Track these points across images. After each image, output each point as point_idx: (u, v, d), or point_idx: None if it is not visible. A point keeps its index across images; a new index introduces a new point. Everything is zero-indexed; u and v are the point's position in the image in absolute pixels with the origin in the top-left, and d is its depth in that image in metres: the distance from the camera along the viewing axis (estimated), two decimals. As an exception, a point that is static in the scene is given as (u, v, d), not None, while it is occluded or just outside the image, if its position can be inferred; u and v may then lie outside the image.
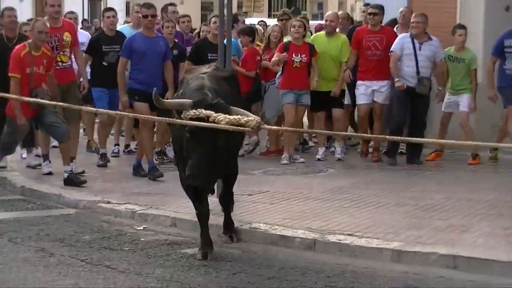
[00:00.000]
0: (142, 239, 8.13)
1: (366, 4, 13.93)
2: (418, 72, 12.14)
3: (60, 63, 11.21)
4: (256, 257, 7.77)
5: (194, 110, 7.15)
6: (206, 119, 7.10)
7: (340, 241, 7.85)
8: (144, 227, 8.65)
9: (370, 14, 12.48)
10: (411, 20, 12.33)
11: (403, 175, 11.35)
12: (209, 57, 11.56)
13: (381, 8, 12.67)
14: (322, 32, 12.89)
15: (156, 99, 7.29)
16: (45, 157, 11.35)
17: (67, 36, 11.23)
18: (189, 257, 7.69)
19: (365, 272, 7.18)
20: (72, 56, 11.44)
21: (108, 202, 9.64)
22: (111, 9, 13.26)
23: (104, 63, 12.10)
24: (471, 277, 7.02)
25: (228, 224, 8.26)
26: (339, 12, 14.16)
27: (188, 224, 8.53)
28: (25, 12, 17.84)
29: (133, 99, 11.23)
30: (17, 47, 10.46)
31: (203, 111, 7.12)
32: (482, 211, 9.01)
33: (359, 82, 12.46)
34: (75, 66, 11.74)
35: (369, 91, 12.38)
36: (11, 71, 10.29)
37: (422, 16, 12.27)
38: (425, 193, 10.00)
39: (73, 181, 10.42)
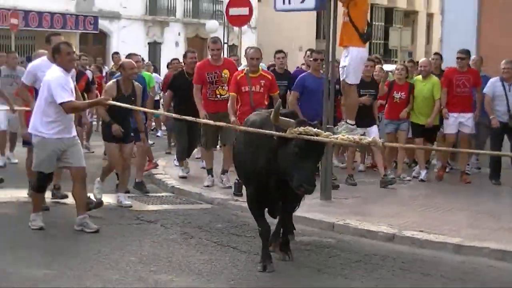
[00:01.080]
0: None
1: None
2: (509, 110, 13.65)
3: (219, 95, 12.44)
4: (348, 246, 9.22)
5: (302, 127, 7.50)
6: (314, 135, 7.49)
7: (413, 236, 9.39)
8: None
9: (458, 58, 13.86)
10: (502, 66, 13.74)
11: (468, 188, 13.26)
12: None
13: (467, 53, 14.08)
14: (419, 76, 14.33)
15: (276, 115, 7.51)
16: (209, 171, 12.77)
17: (225, 73, 12.42)
18: (306, 243, 9.20)
19: (431, 260, 8.66)
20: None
21: (236, 200, 11.44)
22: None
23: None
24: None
25: (288, 243, 8.61)
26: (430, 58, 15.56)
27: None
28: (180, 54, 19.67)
29: None
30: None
31: (312, 129, 7.52)
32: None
33: (449, 114, 13.89)
34: None
35: (456, 122, 13.87)
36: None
37: (511, 63, 13.71)
38: (484, 202, 11.83)
39: None
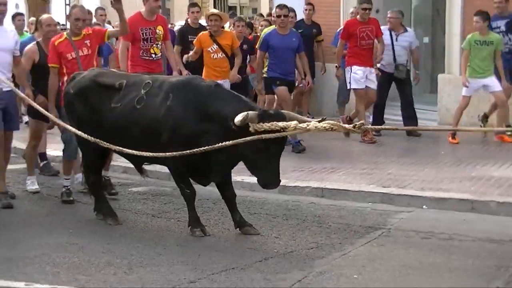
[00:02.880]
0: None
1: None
2: (395, 60, 13.73)
3: (153, 55, 11.31)
4: None
5: (268, 124, 7.28)
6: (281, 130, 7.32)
7: (243, 180, 9.80)
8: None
9: (363, 9, 13.27)
10: (388, 15, 13.93)
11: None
12: None
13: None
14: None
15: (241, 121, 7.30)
16: None
17: (160, 30, 11.30)
18: (143, 193, 10.11)
19: (258, 201, 9.50)
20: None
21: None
22: (196, 4, 14.09)
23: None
24: (333, 202, 9.54)
25: (243, 219, 8.30)
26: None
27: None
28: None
29: (275, 85, 12.35)
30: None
31: (279, 123, 7.29)
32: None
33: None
34: None
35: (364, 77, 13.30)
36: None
37: (396, 12, 13.89)
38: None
39: None
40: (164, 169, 10.44)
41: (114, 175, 10.59)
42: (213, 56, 12.05)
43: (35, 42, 10.25)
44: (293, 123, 7.32)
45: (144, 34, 11.19)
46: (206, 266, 6.99)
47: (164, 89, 8.04)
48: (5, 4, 9.36)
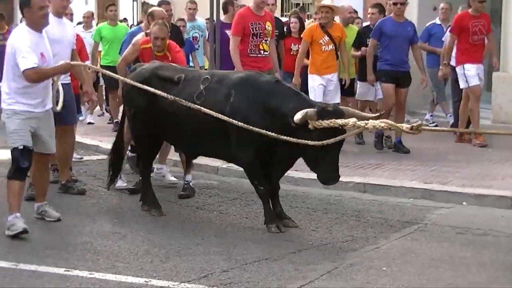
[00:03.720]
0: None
1: None
2: None
3: (262, 51, 10.99)
4: (228, 186, 10.24)
5: (327, 121, 7.38)
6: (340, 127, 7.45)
7: (288, 174, 9.83)
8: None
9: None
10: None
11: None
12: None
13: None
14: None
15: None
16: None
17: (268, 26, 10.97)
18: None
19: (301, 195, 9.71)
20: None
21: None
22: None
23: None
24: (374, 198, 9.66)
25: (283, 211, 8.43)
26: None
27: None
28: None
29: (381, 80, 12.08)
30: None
31: (337, 121, 7.38)
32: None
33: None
34: None
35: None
36: None
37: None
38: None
39: None
40: (213, 163, 10.86)
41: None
42: (324, 48, 11.85)
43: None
44: (351, 121, 7.40)
45: (254, 29, 10.84)
46: (240, 256, 7.19)
47: (225, 85, 8.20)
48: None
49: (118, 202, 9.42)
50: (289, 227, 8.25)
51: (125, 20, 22.13)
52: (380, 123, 7.50)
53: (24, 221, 7.73)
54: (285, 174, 9.76)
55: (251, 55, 10.89)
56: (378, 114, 8.10)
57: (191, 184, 9.79)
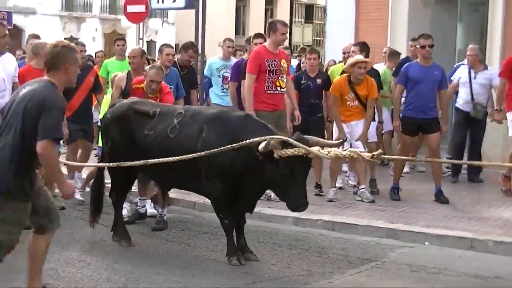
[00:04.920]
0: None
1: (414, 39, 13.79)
2: (473, 99, 12.90)
3: (279, 88, 11.04)
4: (201, 220, 10.51)
5: (291, 150, 7.61)
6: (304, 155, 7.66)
7: (260, 211, 10.56)
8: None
9: None
10: (468, 53, 13.01)
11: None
12: None
13: None
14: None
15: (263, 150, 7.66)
16: None
17: (284, 63, 11.07)
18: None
19: (271, 231, 9.95)
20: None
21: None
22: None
23: None
24: (341, 235, 9.87)
25: (245, 245, 8.72)
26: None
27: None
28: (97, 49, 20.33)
29: (402, 129, 11.59)
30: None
31: (301, 149, 7.61)
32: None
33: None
34: None
35: None
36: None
37: (476, 49, 13.04)
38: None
39: None
40: (189, 198, 11.16)
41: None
42: (349, 104, 11.60)
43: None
44: (315, 149, 7.64)
45: (270, 65, 10.89)
46: (196, 287, 7.49)
47: (197, 121, 8.52)
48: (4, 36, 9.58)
49: (91, 232, 9.67)
50: (251, 260, 8.53)
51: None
52: (343, 152, 7.76)
53: None
54: (258, 211, 10.16)
55: (268, 91, 10.95)
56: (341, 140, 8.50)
57: (164, 217, 10.10)
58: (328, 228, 10.21)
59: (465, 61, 13.40)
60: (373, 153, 7.56)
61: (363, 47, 12.40)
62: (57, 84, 6.25)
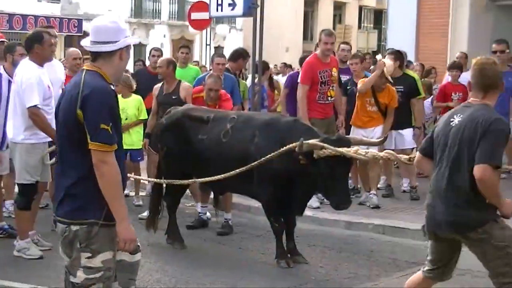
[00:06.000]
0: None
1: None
2: None
3: (329, 98, 11.28)
4: (253, 223, 10.63)
5: (330, 149, 7.72)
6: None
7: (313, 215, 10.62)
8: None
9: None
10: None
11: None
12: None
13: None
14: None
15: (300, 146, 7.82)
16: None
17: (334, 72, 11.26)
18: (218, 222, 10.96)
19: (322, 234, 10.09)
20: None
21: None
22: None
23: None
24: (391, 239, 9.97)
25: (295, 248, 8.89)
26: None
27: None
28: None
29: None
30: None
31: (339, 149, 7.71)
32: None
33: None
34: None
35: None
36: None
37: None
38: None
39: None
40: (245, 202, 11.37)
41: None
42: (368, 108, 11.59)
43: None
44: (353, 149, 7.76)
45: (322, 77, 11.09)
46: (242, 287, 7.74)
47: (250, 126, 8.79)
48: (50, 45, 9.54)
49: (146, 235, 9.88)
50: (299, 263, 8.73)
51: (196, 63, 22.62)
52: (380, 154, 7.86)
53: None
54: (311, 214, 10.41)
55: (319, 101, 11.19)
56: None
57: (229, 222, 10.37)
58: (379, 231, 10.33)
59: None
60: (410, 156, 7.57)
61: (398, 55, 12.35)
62: None
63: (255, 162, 8.20)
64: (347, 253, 9.33)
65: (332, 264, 8.76)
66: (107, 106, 4.69)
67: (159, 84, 11.16)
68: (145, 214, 10.39)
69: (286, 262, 8.62)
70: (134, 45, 8.13)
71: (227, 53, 15.23)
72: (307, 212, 10.53)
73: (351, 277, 8.27)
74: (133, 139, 11.72)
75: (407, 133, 12.10)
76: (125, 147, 10.21)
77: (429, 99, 14.13)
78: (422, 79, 13.98)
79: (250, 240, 9.85)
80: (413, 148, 12.03)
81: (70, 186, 4.73)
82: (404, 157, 7.64)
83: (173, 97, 10.74)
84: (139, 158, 12.03)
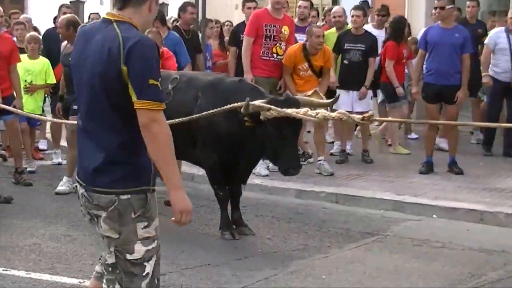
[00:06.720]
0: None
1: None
2: None
3: (274, 55, 10.73)
4: (200, 192, 9.83)
5: (278, 110, 7.12)
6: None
7: (262, 183, 10.19)
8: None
9: None
10: (509, 16, 11.77)
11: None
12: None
13: None
14: None
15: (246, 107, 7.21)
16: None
17: (285, 30, 10.70)
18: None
19: (271, 203, 9.55)
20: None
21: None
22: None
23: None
24: (345, 208, 9.44)
25: (240, 218, 8.34)
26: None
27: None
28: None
29: (422, 97, 11.05)
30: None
31: (287, 110, 7.12)
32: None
33: None
34: None
35: None
36: None
37: None
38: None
39: None
40: (189, 170, 10.75)
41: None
42: (302, 74, 10.83)
43: None
44: (302, 110, 7.16)
45: (268, 31, 10.58)
46: (183, 261, 7.12)
47: (193, 87, 8.15)
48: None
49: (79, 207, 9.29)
50: (245, 234, 8.13)
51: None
52: (332, 114, 7.31)
53: None
54: (259, 182, 9.85)
55: (263, 57, 10.66)
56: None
57: None
58: (332, 200, 9.79)
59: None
60: (363, 115, 7.06)
61: (365, 11, 12.02)
62: None
63: (196, 115, 7.51)
64: (297, 223, 8.74)
65: (280, 236, 8.17)
66: (154, 59, 4.17)
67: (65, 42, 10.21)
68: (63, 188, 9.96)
69: (231, 233, 8.03)
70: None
71: (171, 10, 14.49)
72: (255, 180, 10.13)
73: (301, 249, 7.68)
74: (38, 104, 11.60)
75: (367, 96, 11.77)
76: (28, 111, 10.12)
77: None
78: (410, 37, 13.38)
79: (193, 211, 9.15)
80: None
81: (111, 153, 4.16)
82: (357, 116, 7.12)
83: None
84: (38, 123, 12.03)
